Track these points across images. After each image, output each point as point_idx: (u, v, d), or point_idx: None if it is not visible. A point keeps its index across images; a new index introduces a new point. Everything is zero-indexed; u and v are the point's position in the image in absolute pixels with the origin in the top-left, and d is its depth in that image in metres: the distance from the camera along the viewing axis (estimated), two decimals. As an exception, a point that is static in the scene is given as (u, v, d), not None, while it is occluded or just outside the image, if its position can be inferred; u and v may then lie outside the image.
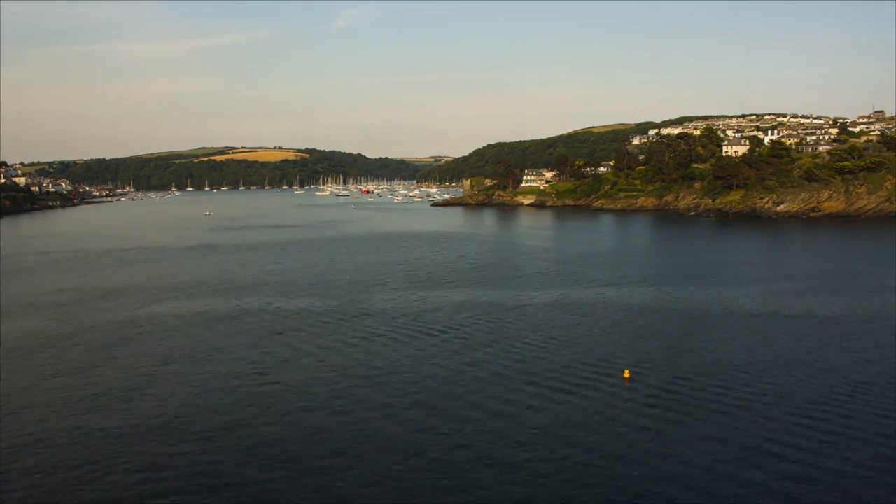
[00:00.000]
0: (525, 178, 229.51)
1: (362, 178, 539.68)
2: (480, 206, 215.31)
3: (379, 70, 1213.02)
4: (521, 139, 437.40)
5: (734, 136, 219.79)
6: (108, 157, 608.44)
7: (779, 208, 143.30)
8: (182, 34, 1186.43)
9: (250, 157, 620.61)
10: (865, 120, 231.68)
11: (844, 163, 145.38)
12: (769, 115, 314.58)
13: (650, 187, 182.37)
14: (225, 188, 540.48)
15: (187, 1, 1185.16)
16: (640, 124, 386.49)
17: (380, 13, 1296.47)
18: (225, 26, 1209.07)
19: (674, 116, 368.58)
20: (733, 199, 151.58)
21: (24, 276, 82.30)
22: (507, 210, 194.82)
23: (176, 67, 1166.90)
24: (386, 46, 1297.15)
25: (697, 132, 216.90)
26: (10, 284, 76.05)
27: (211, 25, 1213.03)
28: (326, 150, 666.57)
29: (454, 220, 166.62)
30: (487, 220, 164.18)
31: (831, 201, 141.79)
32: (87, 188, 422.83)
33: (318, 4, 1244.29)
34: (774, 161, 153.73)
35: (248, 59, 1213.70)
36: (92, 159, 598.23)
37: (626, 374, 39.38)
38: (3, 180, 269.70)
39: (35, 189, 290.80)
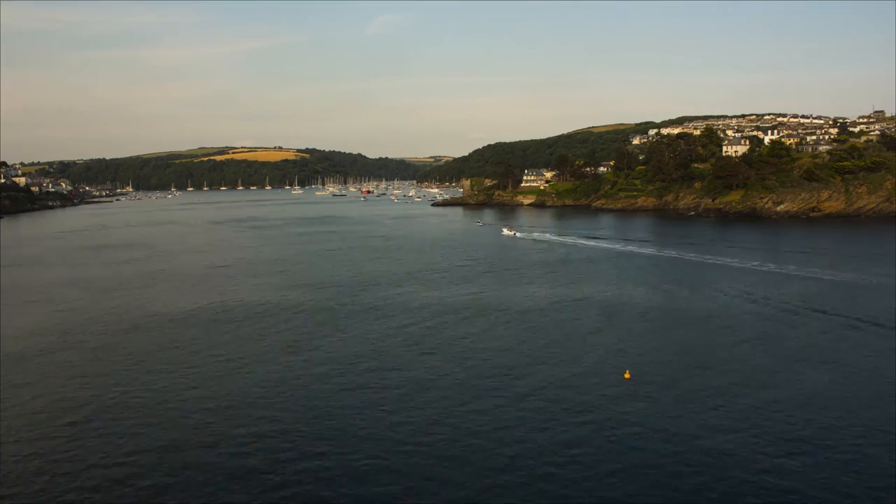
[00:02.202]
0: (525, 178, 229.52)
1: (362, 179, 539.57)
2: (480, 206, 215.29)
3: (388, 73, 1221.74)
4: (521, 139, 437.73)
5: (734, 136, 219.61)
6: (108, 157, 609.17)
7: (779, 208, 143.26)
8: (214, 39, 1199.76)
9: (250, 157, 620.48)
10: (865, 120, 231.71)
11: (844, 163, 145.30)
12: (769, 115, 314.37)
13: (650, 187, 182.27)
14: (224, 188, 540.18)
15: (227, 3, 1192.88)
16: (640, 124, 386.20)
17: (411, 20, 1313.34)
18: (257, 31, 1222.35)
19: (674, 116, 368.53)
20: (733, 199, 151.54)
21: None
22: (507, 210, 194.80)
23: (198, 71, 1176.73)
24: (402, 51, 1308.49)
25: (697, 132, 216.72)
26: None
27: (243, 31, 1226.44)
28: (326, 150, 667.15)
29: (453, 222, 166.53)
30: (487, 220, 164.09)
31: (831, 201, 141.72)
32: (87, 188, 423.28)
33: (352, 12, 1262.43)
34: (774, 161, 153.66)
35: (270, 63, 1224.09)
36: (92, 159, 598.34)
37: (627, 374, 39.39)
38: (3, 180, 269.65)
39: (35, 189, 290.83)
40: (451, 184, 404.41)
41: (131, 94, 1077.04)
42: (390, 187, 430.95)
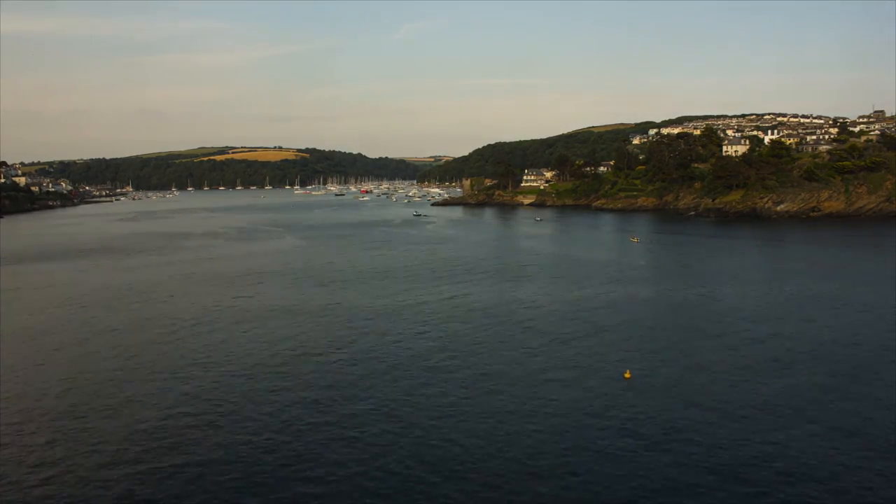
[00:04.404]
0: (525, 178, 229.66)
1: (362, 179, 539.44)
2: (480, 205, 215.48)
3: (397, 77, 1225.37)
4: (521, 139, 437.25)
5: (734, 136, 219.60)
6: (108, 157, 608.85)
7: (779, 208, 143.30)
8: (245, 46, 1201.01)
9: (250, 156, 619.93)
10: (865, 120, 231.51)
11: (844, 163, 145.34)
12: (769, 114, 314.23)
13: (650, 187, 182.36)
14: (223, 188, 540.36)
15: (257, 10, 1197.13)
16: (640, 124, 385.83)
17: (434, 27, 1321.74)
18: (282, 37, 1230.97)
19: (674, 116, 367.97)
20: (733, 199, 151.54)
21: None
22: (508, 210, 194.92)
23: (217, 76, 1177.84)
24: (416, 56, 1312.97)
25: (697, 132, 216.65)
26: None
27: (274, 37, 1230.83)
28: (326, 149, 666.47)
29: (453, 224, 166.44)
30: (487, 220, 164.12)
31: (831, 201, 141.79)
32: (88, 188, 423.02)
33: (381, 18, 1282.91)
34: (774, 161, 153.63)
35: (289, 68, 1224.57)
36: (92, 159, 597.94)
37: (627, 374, 39.45)
38: (3, 180, 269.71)
39: (35, 189, 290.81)
40: (451, 184, 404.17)
41: (157, 96, 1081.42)
42: (391, 188, 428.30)
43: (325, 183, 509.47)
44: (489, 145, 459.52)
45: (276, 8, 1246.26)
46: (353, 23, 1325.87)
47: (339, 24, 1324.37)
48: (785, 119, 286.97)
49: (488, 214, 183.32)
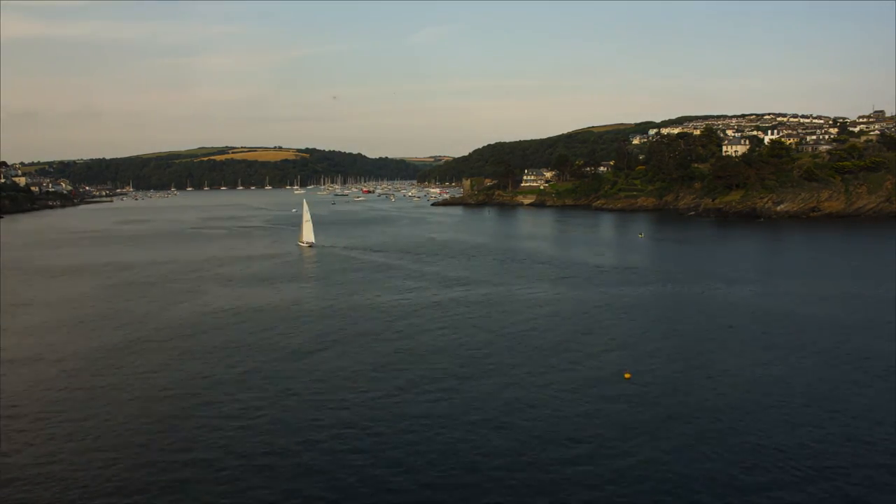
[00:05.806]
0: (525, 178, 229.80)
1: (362, 179, 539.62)
2: (480, 205, 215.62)
3: (398, 77, 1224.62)
4: (521, 139, 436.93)
5: (734, 136, 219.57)
6: (108, 157, 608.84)
7: (779, 208, 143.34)
8: (259, 49, 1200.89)
9: (250, 156, 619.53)
10: (865, 120, 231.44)
11: (844, 163, 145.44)
12: (769, 114, 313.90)
13: (650, 187, 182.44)
14: (224, 188, 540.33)
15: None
16: (640, 124, 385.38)
17: (455, 33, 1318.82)
18: (304, 41, 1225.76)
19: (674, 116, 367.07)
20: (733, 199, 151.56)
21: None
22: (508, 210, 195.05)
23: (232, 78, 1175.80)
24: (421, 58, 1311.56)
25: (697, 132, 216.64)
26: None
27: (290, 41, 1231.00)
28: (326, 149, 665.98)
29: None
30: (487, 220, 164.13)
31: (831, 201, 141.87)
32: (88, 188, 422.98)
33: (399, 23, 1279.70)
34: (774, 161, 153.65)
35: (291, 70, 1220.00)
36: (92, 159, 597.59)
37: (627, 375, 39.46)
38: (3, 180, 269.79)
39: (35, 189, 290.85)
40: (451, 184, 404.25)
41: (167, 98, 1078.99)
42: (391, 188, 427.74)
43: (325, 183, 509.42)
44: (489, 145, 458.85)
45: (278, 10, 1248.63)
46: (356, 27, 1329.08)
47: (341, 28, 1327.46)
48: (785, 119, 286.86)
49: (488, 214, 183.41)
